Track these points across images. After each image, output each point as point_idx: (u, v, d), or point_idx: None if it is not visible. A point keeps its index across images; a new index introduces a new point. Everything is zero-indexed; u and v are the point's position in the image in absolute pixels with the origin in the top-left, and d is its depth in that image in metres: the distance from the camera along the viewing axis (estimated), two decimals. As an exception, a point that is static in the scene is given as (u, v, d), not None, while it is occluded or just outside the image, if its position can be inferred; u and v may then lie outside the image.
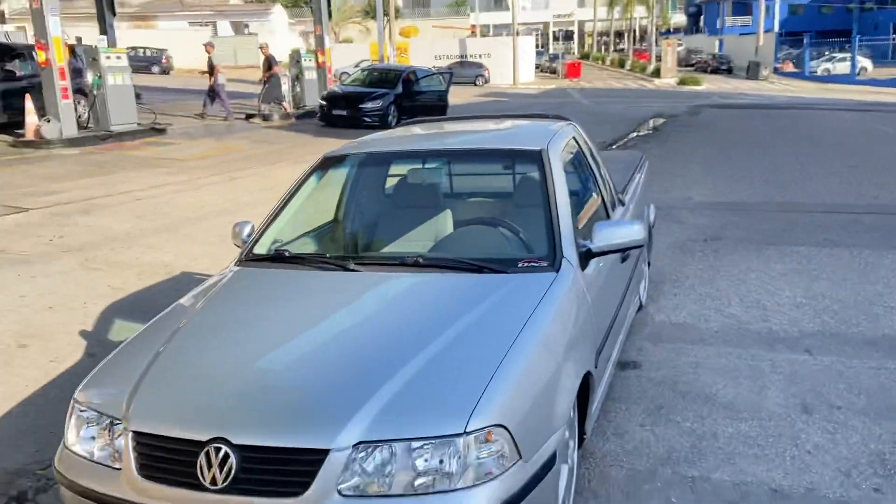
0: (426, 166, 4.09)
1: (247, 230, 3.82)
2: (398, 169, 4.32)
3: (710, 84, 40.74)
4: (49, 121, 13.23)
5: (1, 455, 3.53)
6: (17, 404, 4.03)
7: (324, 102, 18.14)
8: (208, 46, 18.41)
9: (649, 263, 5.75)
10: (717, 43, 58.79)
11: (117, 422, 2.46)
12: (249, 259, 3.59)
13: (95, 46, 14.94)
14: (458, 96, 20.72)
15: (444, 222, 3.85)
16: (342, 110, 17.66)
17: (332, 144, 15.24)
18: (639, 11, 57.53)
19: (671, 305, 5.49)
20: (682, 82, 40.41)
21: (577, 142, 4.20)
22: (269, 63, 18.68)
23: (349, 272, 3.24)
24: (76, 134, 13.76)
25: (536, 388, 2.50)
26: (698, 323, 5.12)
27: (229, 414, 2.34)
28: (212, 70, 18.00)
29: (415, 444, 2.22)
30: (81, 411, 2.59)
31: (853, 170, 12.01)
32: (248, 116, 18.78)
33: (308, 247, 3.93)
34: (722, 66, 51.07)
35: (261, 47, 19.34)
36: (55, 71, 13.33)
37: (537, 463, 2.37)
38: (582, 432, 3.12)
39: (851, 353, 4.49)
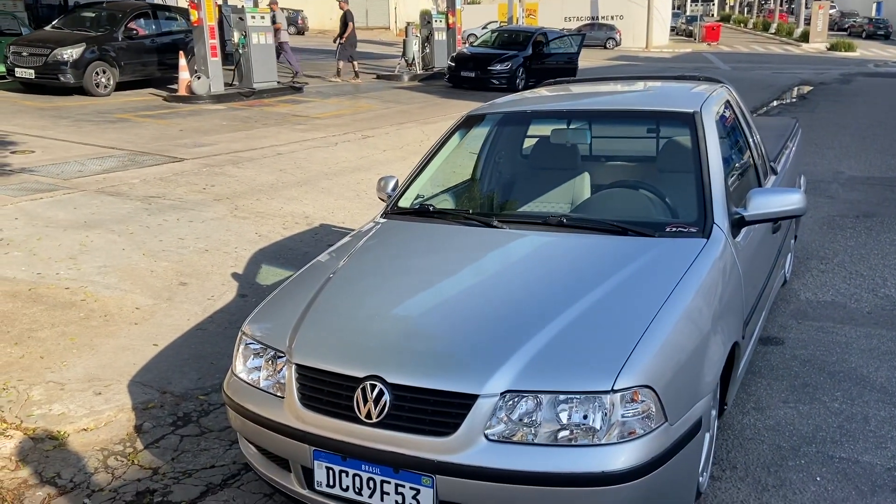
0: (571, 127, 4.05)
1: (391, 184, 3.95)
2: (540, 129, 4.30)
3: (865, 50, 37.65)
4: (199, 77, 14.02)
5: (169, 380, 3.88)
6: (180, 335, 4.39)
7: (452, 64, 18.20)
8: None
9: (796, 237, 5.48)
10: (874, 6, 54.04)
11: (281, 355, 2.65)
12: (395, 212, 3.72)
13: (243, 6, 15.61)
14: (587, 59, 20.22)
15: (584, 185, 3.82)
16: (470, 72, 17.65)
17: (460, 106, 15.34)
18: (788, -30, 53.64)
19: (818, 283, 5.22)
20: (832, 48, 37.58)
21: (731, 105, 4.04)
22: (346, 20, 17.71)
23: (493, 228, 3.29)
24: (222, 90, 14.52)
25: (685, 352, 2.47)
26: (848, 302, 4.85)
27: (385, 354, 2.46)
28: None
29: (561, 398, 2.26)
30: (248, 343, 2.80)
31: None
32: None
33: (448, 203, 4.01)
34: (879, 32, 47.03)
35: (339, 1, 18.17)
36: (206, 29, 14.08)
37: (682, 427, 2.36)
38: (723, 402, 3.06)
39: None
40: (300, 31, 43.98)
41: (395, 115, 13.29)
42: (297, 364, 2.56)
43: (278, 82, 15.75)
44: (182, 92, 14.25)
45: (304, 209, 7.13)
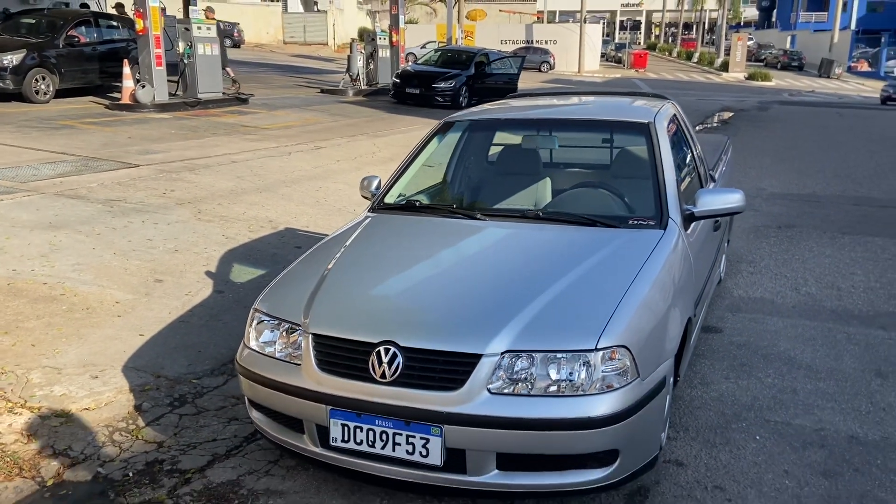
0: (539, 134, 4.48)
1: (374, 183, 4.28)
2: (509, 137, 4.71)
3: (780, 80, 40.02)
4: (144, 86, 13.98)
5: (161, 365, 4.08)
6: (164, 327, 4.58)
7: (397, 80, 18.61)
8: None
9: (728, 241, 6.05)
10: (789, 39, 57.45)
11: (296, 327, 2.94)
12: (381, 208, 4.05)
13: (189, 17, 15.63)
14: (524, 81, 20.93)
15: (546, 188, 4.24)
16: (415, 89, 18.09)
17: (406, 121, 15.72)
18: (709, 3, 56.48)
19: (748, 282, 5.79)
20: (751, 77, 39.81)
21: (677, 119, 4.54)
22: (219, 28, 15.99)
23: (477, 220, 3.67)
24: (167, 99, 14.51)
25: (652, 321, 2.90)
26: (775, 298, 5.42)
27: (397, 322, 2.79)
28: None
29: (551, 356, 2.64)
30: (262, 319, 3.08)
31: (929, 170, 11.96)
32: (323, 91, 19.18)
33: (426, 200, 4.35)
34: (793, 63, 49.99)
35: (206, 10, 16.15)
36: (151, 38, 14.07)
37: (651, 383, 2.77)
38: (676, 374, 3.50)
39: (925, 331, 4.76)
40: (236, 45, 43.65)
41: (344, 128, 13.58)
42: (313, 334, 2.86)
43: (223, 93, 15.81)
44: (126, 100, 14.17)
45: (266, 214, 7.35)
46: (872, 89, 36.16)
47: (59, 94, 14.37)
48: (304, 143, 11.59)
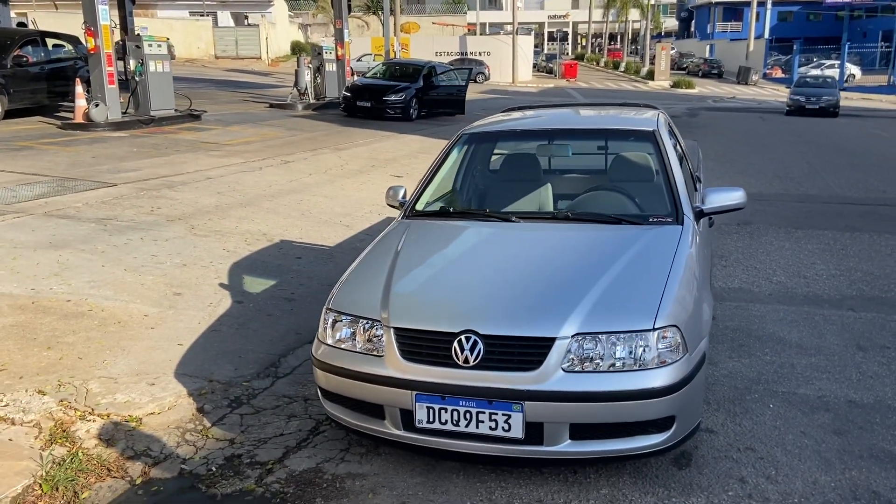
0: (553, 143, 4.88)
1: (401, 193, 4.58)
2: (521, 146, 5.09)
3: (703, 87, 41.84)
4: (97, 105, 13.83)
5: (210, 371, 4.28)
6: (199, 336, 4.77)
7: (348, 94, 18.83)
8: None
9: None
10: (707, 48, 60.00)
11: (374, 322, 3.23)
12: (413, 215, 4.36)
13: (139, 34, 15.52)
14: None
15: (550, 191, 4.62)
16: (366, 102, 18.35)
17: (363, 134, 15.95)
18: (633, 15, 58.57)
19: (724, 274, 6.32)
20: (675, 85, 41.47)
21: (670, 126, 5.01)
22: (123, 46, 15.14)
23: (512, 223, 4.03)
24: (120, 118, 14.38)
25: (692, 302, 3.30)
26: (752, 287, 5.96)
27: (474, 312, 3.12)
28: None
29: (615, 336, 3.01)
30: (337, 318, 3.35)
31: (856, 167, 12.96)
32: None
33: (451, 207, 4.67)
34: (713, 71, 52.24)
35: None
36: (103, 56, 13.93)
37: (696, 358, 3.17)
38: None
39: (889, 310, 5.35)
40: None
41: (304, 142, 13.74)
42: (395, 328, 3.15)
43: (176, 110, 15.74)
44: (78, 119, 13.98)
45: (258, 227, 7.52)
46: (787, 95, 38.24)
47: (8, 114, 14.07)
48: (269, 157, 11.72)
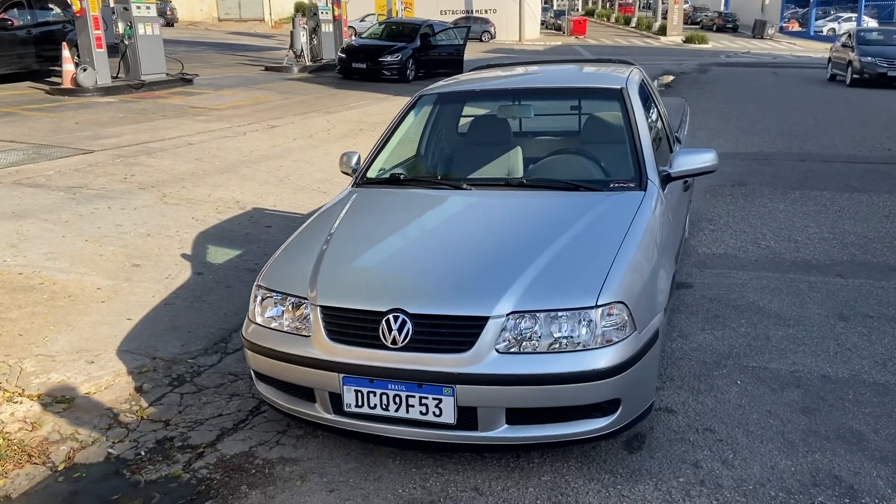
0: (513, 104, 4.59)
1: (354, 159, 4.34)
2: (483, 108, 4.81)
3: (717, 42, 40.86)
4: (85, 69, 13.58)
5: (155, 347, 4.11)
6: (150, 310, 4.59)
7: (343, 55, 18.45)
8: None
9: (690, 201, 6.30)
10: (722, 1, 58.52)
11: (302, 300, 3.02)
12: (364, 183, 4.12)
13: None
14: (465, 52, 20.94)
15: (520, 155, 4.35)
16: (361, 63, 17.98)
17: (357, 96, 15.59)
18: (645, -32, 57.05)
19: (711, 239, 6.05)
20: (688, 40, 40.51)
21: (645, 83, 4.71)
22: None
23: (463, 190, 3.78)
24: (109, 83, 14.13)
25: (644, 276, 3.06)
26: (738, 253, 5.69)
27: (404, 290, 2.89)
28: None
29: (554, 314, 2.78)
30: (266, 295, 3.15)
31: (864, 125, 12.51)
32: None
33: (403, 174, 4.43)
34: (728, 25, 51.01)
35: None
36: (89, 19, 13.66)
37: (646, 335, 2.94)
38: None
39: (878, 276, 5.08)
40: (169, 23, 42.37)
41: (294, 106, 13.45)
42: (321, 306, 2.94)
43: (167, 74, 15.46)
44: (67, 84, 13.76)
45: (232, 195, 7.31)
46: (804, 49, 37.30)
47: (-5, 80, 13.88)
48: (256, 122, 11.47)
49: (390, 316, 2.81)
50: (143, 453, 3.21)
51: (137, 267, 5.27)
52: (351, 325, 2.88)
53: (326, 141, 10.32)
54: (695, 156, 3.87)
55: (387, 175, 4.20)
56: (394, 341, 2.79)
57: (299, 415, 3.09)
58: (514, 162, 4.35)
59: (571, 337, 2.77)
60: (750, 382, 3.64)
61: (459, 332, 2.77)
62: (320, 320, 2.93)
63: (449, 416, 2.77)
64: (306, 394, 3.04)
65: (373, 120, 12.28)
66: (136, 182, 7.44)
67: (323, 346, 2.90)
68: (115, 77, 14.75)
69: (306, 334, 2.97)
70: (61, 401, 3.55)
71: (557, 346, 2.76)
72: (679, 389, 3.59)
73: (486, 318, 2.75)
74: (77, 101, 13.03)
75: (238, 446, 3.25)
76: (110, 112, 11.91)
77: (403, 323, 2.80)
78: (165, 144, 9.33)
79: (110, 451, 3.23)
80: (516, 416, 2.81)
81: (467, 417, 2.79)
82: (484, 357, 2.73)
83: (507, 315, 2.76)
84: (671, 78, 21.38)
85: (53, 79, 15.04)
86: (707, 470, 2.95)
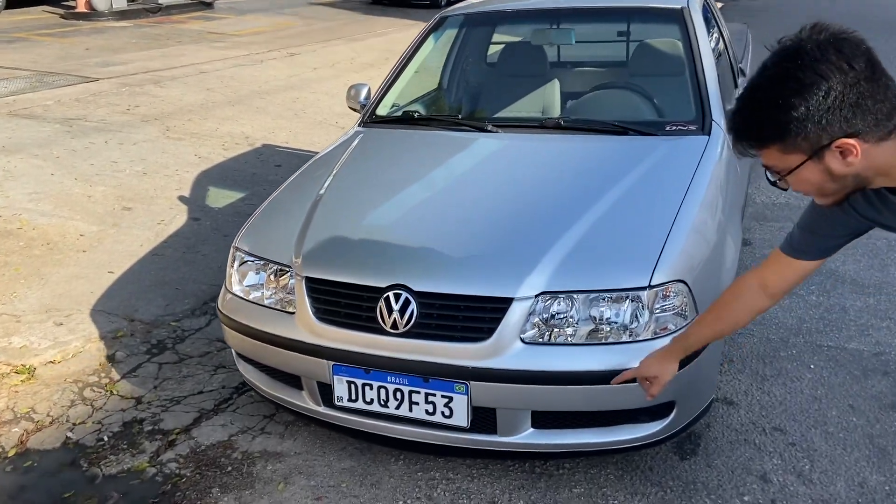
0: (550, 27, 3.90)
1: (364, 92, 3.73)
2: (516, 32, 4.13)
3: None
4: (99, -8, 12.92)
5: (135, 307, 3.63)
6: (136, 262, 4.10)
7: (372, -22, 17.45)
8: None
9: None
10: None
11: (286, 269, 2.48)
12: (373, 121, 3.52)
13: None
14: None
15: (557, 89, 3.70)
16: (391, -13, 16.98)
17: (385, 23, 14.71)
18: None
19: (769, 187, 5.34)
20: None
21: (707, 4, 3.97)
22: None
23: (488, 133, 3.16)
24: (125, 6, 13.48)
25: (709, 246, 2.45)
26: (802, 203, 4.97)
27: (408, 262, 2.33)
28: None
29: (595, 296, 2.20)
30: (245, 259, 2.61)
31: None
32: None
33: (421, 111, 3.82)
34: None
35: None
36: (103, -62, 12.92)
37: (710, 321, 2.35)
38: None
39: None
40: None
41: (318, 33, 12.69)
42: (307, 277, 2.39)
43: (186, -3, 14.74)
44: (81, 8, 13.14)
45: (241, 129, 6.74)
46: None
47: (11, 3, 13.30)
48: (276, 49, 10.77)
49: (390, 293, 2.26)
50: (106, 439, 2.75)
51: (128, 210, 4.77)
52: (343, 303, 2.34)
53: (349, 71, 9.62)
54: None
55: (399, 112, 3.58)
56: (394, 325, 2.24)
57: (285, 404, 2.58)
58: (550, 98, 3.70)
59: (616, 325, 2.20)
60: (826, 367, 3.05)
61: (476, 317, 2.21)
62: (306, 295, 2.39)
63: (461, 418, 2.23)
64: (293, 379, 2.53)
65: (400, 48, 11.42)
66: (140, 114, 6.89)
67: (309, 327, 2.36)
68: (132, 0, 14.08)
69: (291, 311, 2.44)
70: (20, 371, 3.09)
71: (599, 335, 2.19)
72: (739, 374, 3.01)
73: (509, 300, 2.18)
74: (91, 25, 12.43)
75: (216, 433, 2.77)
76: (123, 38, 11.30)
77: (407, 302, 2.24)
78: (176, 73, 8.73)
79: (69, 434, 2.77)
80: (545, 418, 2.27)
81: (484, 419, 2.26)
82: (506, 348, 2.17)
83: (537, 296, 2.19)
84: (720, 5, 19.98)
85: (69, 2, 14.40)
86: (779, 486, 2.39)
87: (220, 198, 5.11)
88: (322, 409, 2.45)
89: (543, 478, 2.46)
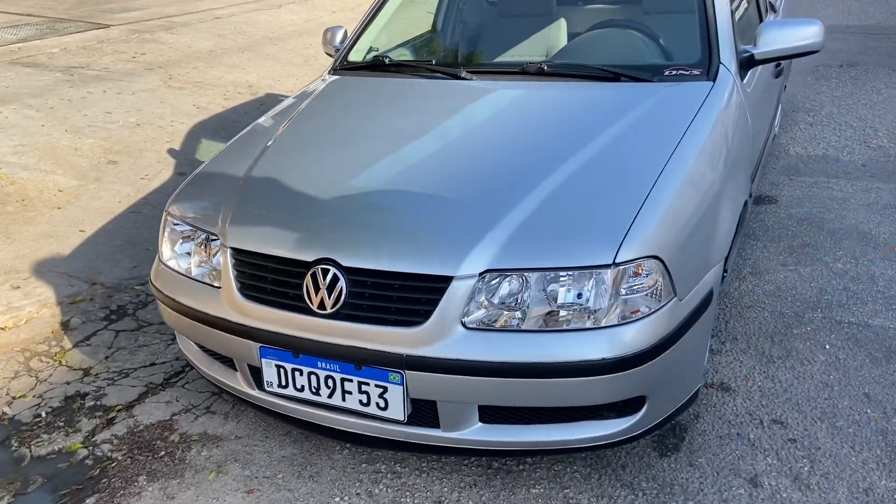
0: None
1: (339, 36, 3.41)
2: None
3: None
4: (123, -65, 12.62)
5: (99, 270, 3.43)
6: (111, 220, 3.90)
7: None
8: None
9: (785, 87, 5.07)
10: None
11: (214, 238, 2.21)
12: (345, 67, 3.19)
13: None
14: None
15: (563, 30, 3.31)
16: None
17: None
18: None
19: (807, 136, 4.87)
20: None
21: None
22: None
23: (461, 81, 2.81)
24: (151, -50, 13.17)
25: (695, 215, 2.09)
26: (841, 155, 4.52)
27: (338, 233, 2.03)
28: None
29: (552, 275, 1.88)
30: (175, 225, 2.35)
31: None
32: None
33: (406, 56, 3.48)
34: None
35: None
36: None
37: (692, 302, 2.02)
38: (723, 269, 2.74)
39: None
40: None
41: (343, -27, 12.21)
42: (232, 248, 2.13)
43: (214, -60, 14.32)
44: (106, -47, 12.86)
45: (247, 77, 6.46)
46: None
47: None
48: (298, -9, 10.38)
49: (318, 268, 1.97)
50: (43, 415, 2.57)
51: (113, 164, 4.57)
52: (269, 278, 2.06)
53: (369, 13, 9.20)
54: (791, 29, 2.74)
55: (375, 56, 3.24)
56: (321, 305, 1.96)
57: (223, 386, 2.35)
58: (554, 40, 3.31)
59: (576, 308, 1.88)
60: (843, 347, 2.68)
61: (411, 297, 1.91)
62: (230, 268, 2.12)
63: (397, 411, 1.96)
64: (229, 360, 2.29)
65: (426, -12, 10.98)
66: (144, 62, 6.66)
67: (234, 305, 2.10)
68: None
69: (218, 285, 2.18)
70: (-34, 339, 2.93)
71: (555, 321, 1.88)
72: (742, 355, 2.67)
73: (448, 279, 1.88)
74: (115, -30, 12.17)
75: (159, 412, 2.57)
76: (145, -18, 11.03)
77: (335, 279, 1.95)
78: (190, 18, 8.45)
79: (6, 410, 2.60)
80: (495, 412, 1.99)
81: (425, 412, 1.98)
82: (446, 334, 1.88)
83: (481, 274, 1.88)
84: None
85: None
86: (770, 491, 2.07)
87: (210, 151, 4.87)
88: (255, 392, 2.21)
89: (500, 475, 2.19)
